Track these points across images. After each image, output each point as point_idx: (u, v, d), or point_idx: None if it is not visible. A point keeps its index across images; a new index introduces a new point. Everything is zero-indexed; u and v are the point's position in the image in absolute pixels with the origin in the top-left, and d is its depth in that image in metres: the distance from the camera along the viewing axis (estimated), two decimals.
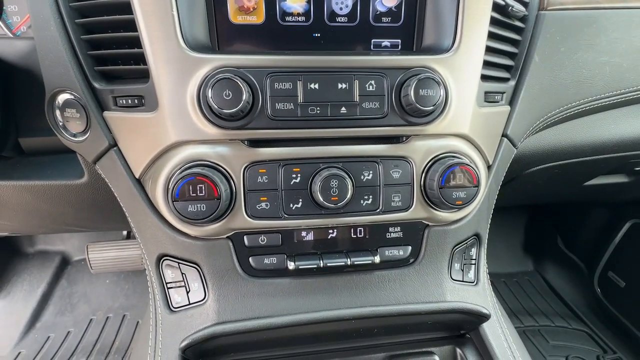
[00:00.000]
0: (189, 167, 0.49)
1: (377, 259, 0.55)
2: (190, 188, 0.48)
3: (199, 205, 0.48)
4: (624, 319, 1.43)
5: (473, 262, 0.62)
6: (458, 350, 0.59)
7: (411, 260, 0.58)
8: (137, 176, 0.55)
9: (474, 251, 0.63)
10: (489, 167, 0.63)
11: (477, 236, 0.63)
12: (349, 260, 0.54)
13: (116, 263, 1.45)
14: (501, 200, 0.69)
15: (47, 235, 1.77)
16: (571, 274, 1.74)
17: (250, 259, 0.54)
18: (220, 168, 0.51)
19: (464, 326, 0.60)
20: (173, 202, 0.48)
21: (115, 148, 0.55)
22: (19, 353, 1.35)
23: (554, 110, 0.72)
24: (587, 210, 1.68)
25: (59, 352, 1.41)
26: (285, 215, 0.53)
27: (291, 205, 0.53)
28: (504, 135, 0.65)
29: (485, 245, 0.65)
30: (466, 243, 0.62)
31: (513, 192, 1.00)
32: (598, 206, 1.61)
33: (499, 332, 0.57)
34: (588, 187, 1.13)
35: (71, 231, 1.37)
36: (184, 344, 0.48)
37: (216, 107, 0.47)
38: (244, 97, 0.46)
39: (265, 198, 0.52)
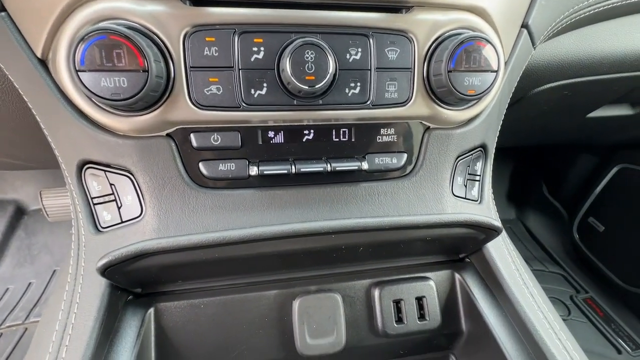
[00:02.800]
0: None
1: (364, 166, 0.43)
2: (103, 53, 0.33)
3: (116, 78, 0.34)
4: (598, 262, 1.47)
5: (477, 178, 0.52)
6: (457, 276, 0.50)
7: (407, 171, 0.47)
8: (39, 55, 0.39)
9: (479, 166, 0.52)
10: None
11: (484, 148, 0.53)
12: (329, 165, 0.42)
13: None
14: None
15: None
16: (552, 221, 1.77)
17: (200, 164, 0.42)
18: (150, 34, 0.36)
19: (465, 247, 0.51)
20: (77, 72, 0.33)
21: (3, 13, 0.39)
22: None
23: (583, 2, 0.58)
24: (575, 155, 1.66)
25: (20, 303, 1.31)
26: (245, 105, 0.40)
27: (252, 91, 0.39)
28: (524, 25, 0.52)
29: (492, 161, 0.54)
30: (471, 155, 0.51)
31: (512, 122, 0.90)
32: (587, 152, 1.59)
33: (506, 254, 0.49)
34: (590, 120, 1.04)
35: (11, 166, 1.19)
36: (102, 262, 0.36)
37: None
38: None
39: (216, 79, 0.38)
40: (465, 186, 0.51)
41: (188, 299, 0.44)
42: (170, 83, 0.38)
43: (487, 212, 0.50)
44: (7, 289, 1.35)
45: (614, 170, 1.48)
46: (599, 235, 1.51)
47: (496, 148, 0.56)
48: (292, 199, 0.43)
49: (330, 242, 0.41)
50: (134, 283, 0.42)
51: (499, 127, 0.56)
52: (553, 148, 1.71)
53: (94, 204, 0.43)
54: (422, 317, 0.48)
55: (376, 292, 0.48)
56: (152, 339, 0.42)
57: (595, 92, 0.85)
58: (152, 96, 0.36)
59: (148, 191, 0.41)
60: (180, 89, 0.38)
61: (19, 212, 1.57)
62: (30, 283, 1.37)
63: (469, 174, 0.51)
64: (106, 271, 0.36)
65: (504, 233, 0.49)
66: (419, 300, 0.48)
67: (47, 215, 1.39)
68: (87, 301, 0.39)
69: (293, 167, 0.41)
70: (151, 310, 0.43)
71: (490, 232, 0.43)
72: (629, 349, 1.21)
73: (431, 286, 0.49)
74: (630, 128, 1.15)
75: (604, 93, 0.88)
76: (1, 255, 1.46)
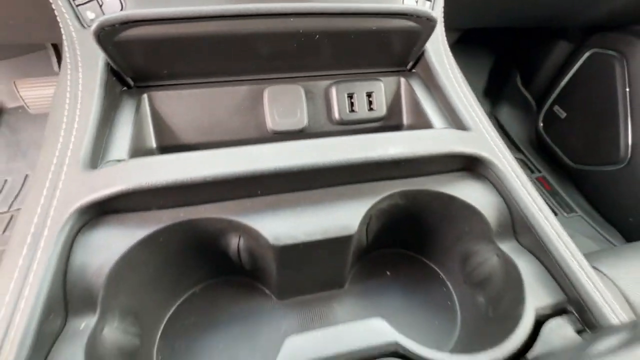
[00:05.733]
0: None
1: None
2: None
3: None
4: (555, 146, 1.58)
5: None
6: (402, 80, 0.59)
7: None
8: None
9: None
10: None
11: None
12: None
13: None
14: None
15: None
16: (522, 112, 1.83)
17: None
18: None
19: (410, 46, 0.55)
20: None
21: None
22: None
23: None
24: (550, 43, 1.65)
25: (22, 191, 1.39)
26: None
27: None
28: None
29: None
30: None
31: None
32: (562, 38, 1.58)
33: (445, 63, 0.57)
34: None
35: None
36: (96, 24, 0.42)
37: None
38: None
39: None
40: None
41: (175, 89, 0.52)
42: None
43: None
44: (6, 180, 1.41)
45: (586, 55, 1.48)
46: (560, 121, 1.59)
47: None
48: None
49: (290, 25, 0.47)
50: (125, 67, 0.49)
51: None
52: (528, 35, 1.70)
53: (77, 6, 0.47)
54: (371, 108, 0.59)
55: (333, 89, 0.57)
56: (149, 119, 0.51)
57: None
58: None
59: None
60: None
61: None
62: (27, 175, 1.43)
63: None
64: (100, 34, 0.42)
65: (445, 45, 0.57)
66: (369, 95, 0.58)
67: (28, 107, 1.40)
68: (88, 87, 0.46)
69: None
70: (145, 96, 0.51)
71: (426, 23, 0.50)
72: (564, 213, 1.43)
73: (380, 85, 0.59)
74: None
75: None
76: None
